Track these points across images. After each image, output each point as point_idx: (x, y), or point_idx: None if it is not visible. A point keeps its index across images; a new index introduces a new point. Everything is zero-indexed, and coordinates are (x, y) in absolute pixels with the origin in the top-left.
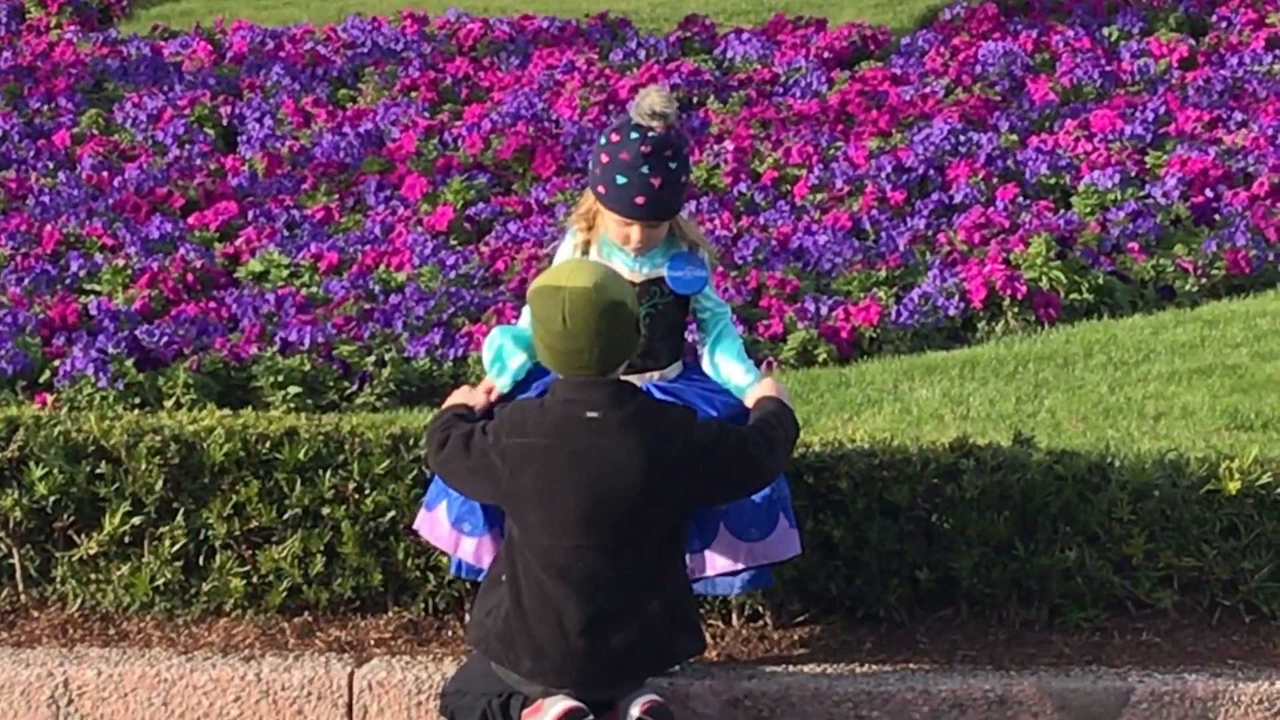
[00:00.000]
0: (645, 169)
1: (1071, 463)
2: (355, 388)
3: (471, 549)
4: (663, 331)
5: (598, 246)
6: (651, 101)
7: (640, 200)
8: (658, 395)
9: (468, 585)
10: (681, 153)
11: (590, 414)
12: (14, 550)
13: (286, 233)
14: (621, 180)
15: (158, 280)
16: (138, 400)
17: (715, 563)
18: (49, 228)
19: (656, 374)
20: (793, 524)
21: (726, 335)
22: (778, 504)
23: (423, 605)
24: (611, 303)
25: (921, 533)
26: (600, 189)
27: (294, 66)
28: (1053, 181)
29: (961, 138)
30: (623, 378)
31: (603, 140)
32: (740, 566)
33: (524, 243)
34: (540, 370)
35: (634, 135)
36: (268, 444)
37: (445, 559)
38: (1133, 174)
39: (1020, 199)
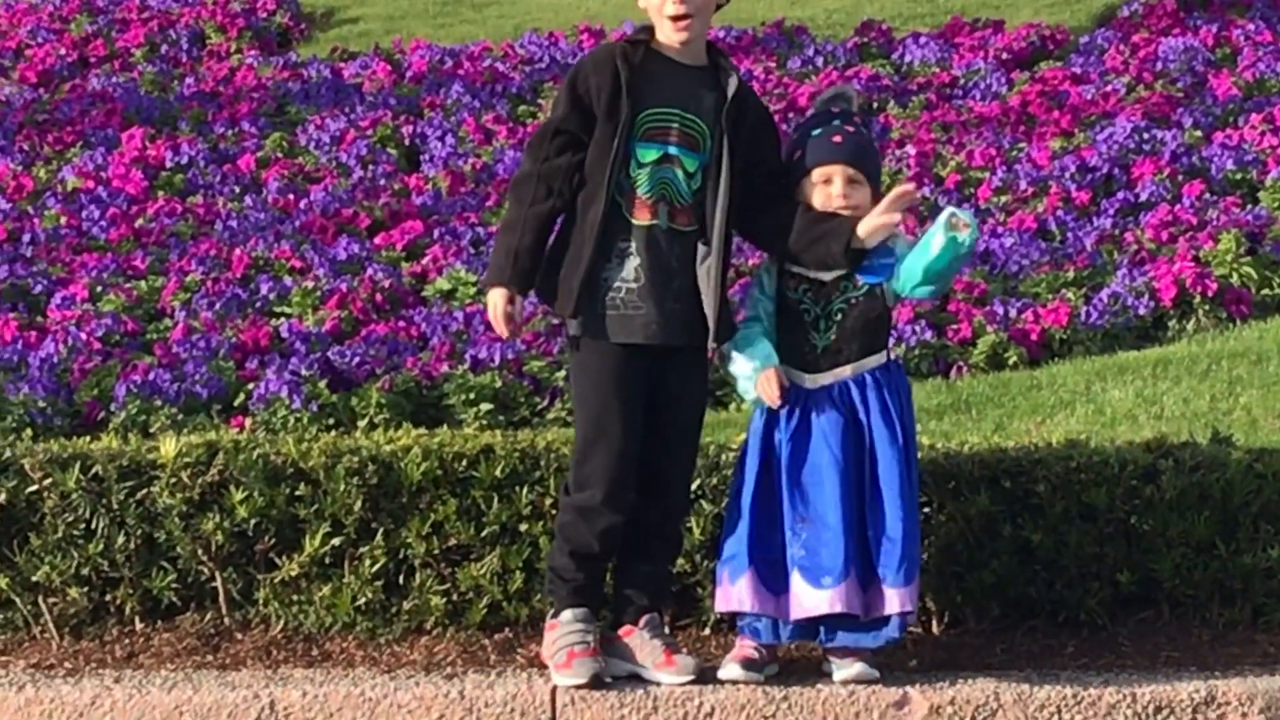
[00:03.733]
0: (837, 122)
1: (1271, 460)
2: (546, 403)
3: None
4: (855, 325)
5: None
6: (832, 89)
7: (837, 139)
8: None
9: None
10: (869, 131)
11: None
12: (216, 574)
13: (472, 250)
14: (817, 132)
15: (347, 301)
16: (331, 421)
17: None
18: (238, 252)
19: (849, 368)
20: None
21: None
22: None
23: None
24: None
25: (1121, 535)
26: (797, 155)
27: (473, 84)
28: (1239, 177)
29: (1145, 135)
30: (819, 377)
31: (790, 135)
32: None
33: None
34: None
35: (819, 111)
36: (464, 462)
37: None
38: None
39: (1207, 195)
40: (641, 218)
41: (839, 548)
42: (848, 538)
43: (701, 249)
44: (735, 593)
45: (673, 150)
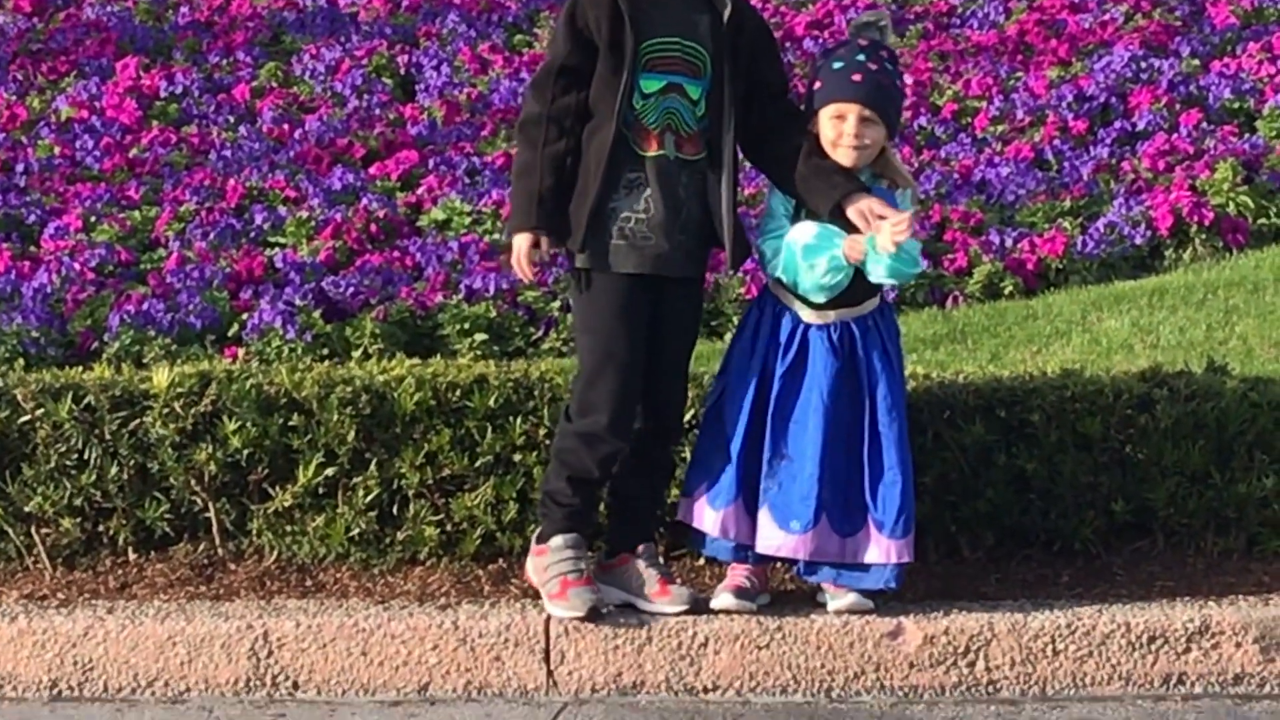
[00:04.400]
0: (861, 56)
1: (1267, 390)
2: (541, 333)
3: (716, 521)
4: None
5: None
6: (863, 15)
7: (857, 77)
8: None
9: (661, 528)
10: (896, 64)
11: None
12: (210, 504)
13: (468, 180)
14: (837, 65)
15: (341, 231)
16: (325, 351)
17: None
18: (232, 182)
19: (852, 309)
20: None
21: None
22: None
23: None
24: None
25: (1116, 464)
26: (816, 85)
27: (469, 13)
28: (1236, 106)
29: (1142, 64)
30: (820, 314)
31: (814, 59)
32: (889, 560)
33: None
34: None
35: (848, 39)
36: (458, 392)
37: None
38: None
39: (1204, 125)
40: (649, 149)
41: (812, 494)
42: (822, 486)
43: (711, 176)
44: (715, 518)
45: (676, 79)
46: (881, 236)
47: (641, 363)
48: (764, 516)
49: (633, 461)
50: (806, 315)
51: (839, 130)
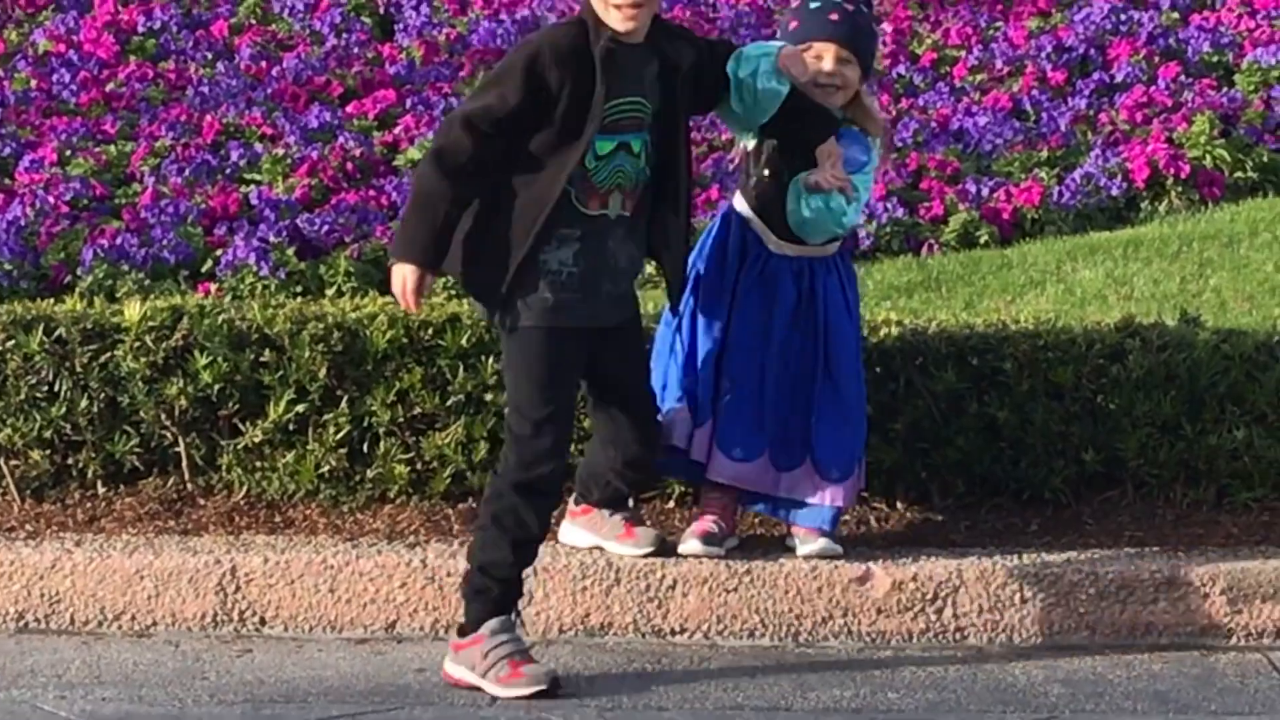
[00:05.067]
0: None
1: (1239, 342)
2: None
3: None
4: None
5: None
6: None
7: (834, 17)
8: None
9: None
10: (871, 6)
11: None
12: (179, 439)
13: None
14: (814, 4)
15: (317, 169)
16: (299, 289)
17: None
18: (208, 118)
19: (816, 247)
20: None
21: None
22: (859, 453)
23: None
24: None
25: (1087, 414)
26: (792, 24)
27: None
28: (1215, 59)
29: (1122, 16)
30: (783, 245)
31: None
32: (824, 502)
33: None
34: None
35: None
36: (430, 331)
37: None
38: None
39: (1182, 77)
40: (592, 207)
41: (756, 426)
42: (765, 416)
43: (642, 227)
44: (694, 438)
45: (625, 137)
46: (816, 174)
47: (574, 412)
48: (713, 443)
49: (623, 470)
50: (773, 245)
51: (816, 68)
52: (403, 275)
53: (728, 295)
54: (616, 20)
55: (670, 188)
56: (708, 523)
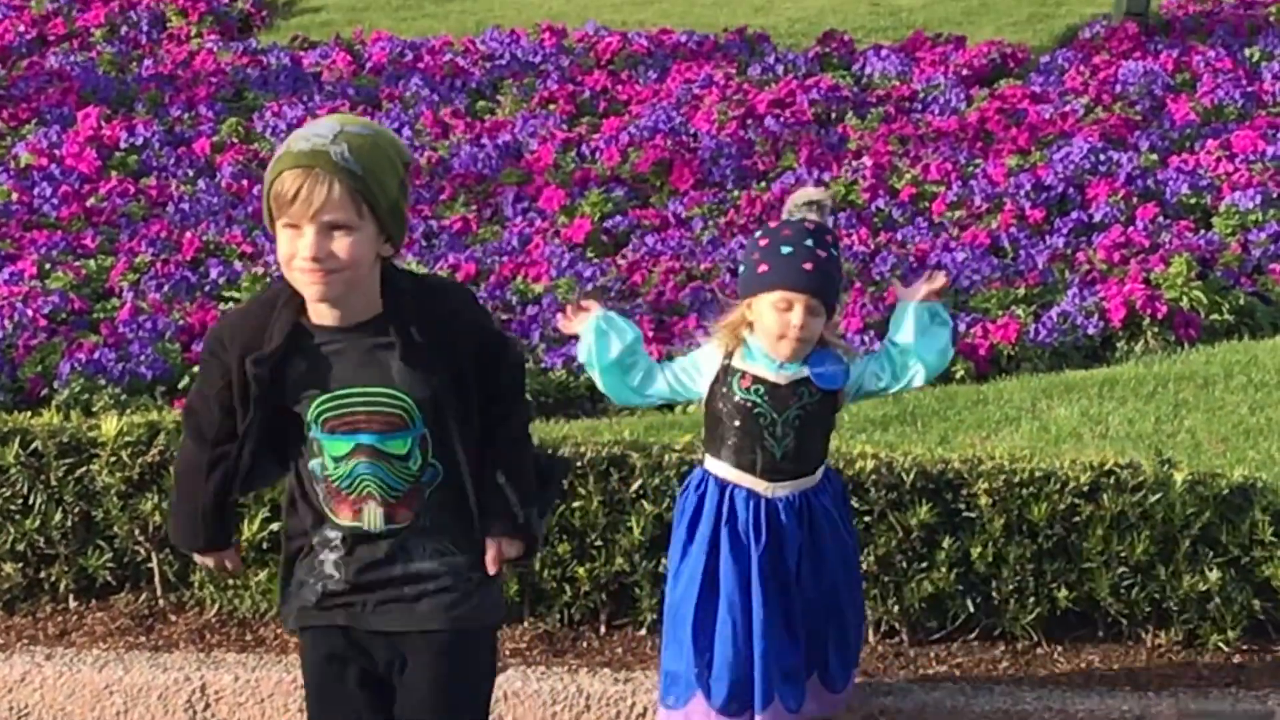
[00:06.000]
0: (810, 242)
1: (1213, 484)
2: None
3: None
4: (814, 433)
5: (741, 354)
6: (807, 192)
7: (808, 266)
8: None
9: (603, 597)
10: (837, 246)
11: None
12: (153, 554)
13: (424, 243)
14: (786, 250)
15: None
16: None
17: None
18: (189, 235)
19: (811, 479)
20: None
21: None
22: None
23: (559, 616)
24: None
25: (1060, 552)
26: (761, 268)
27: (433, 78)
28: (1193, 201)
29: (1101, 156)
30: (776, 487)
31: (755, 238)
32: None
33: (661, 255)
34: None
35: (794, 220)
36: None
37: (581, 570)
38: (1274, 195)
39: (1160, 219)
40: (343, 516)
41: (763, 677)
42: (769, 665)
43: (424, 540)
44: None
45: (366, 439)
46: (920, 290)
47: None
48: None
49: None
50: (762, 489)
51: (784, 321)
52: (202, 562)
53: (740, 561)
54: (304, 285)
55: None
56: None
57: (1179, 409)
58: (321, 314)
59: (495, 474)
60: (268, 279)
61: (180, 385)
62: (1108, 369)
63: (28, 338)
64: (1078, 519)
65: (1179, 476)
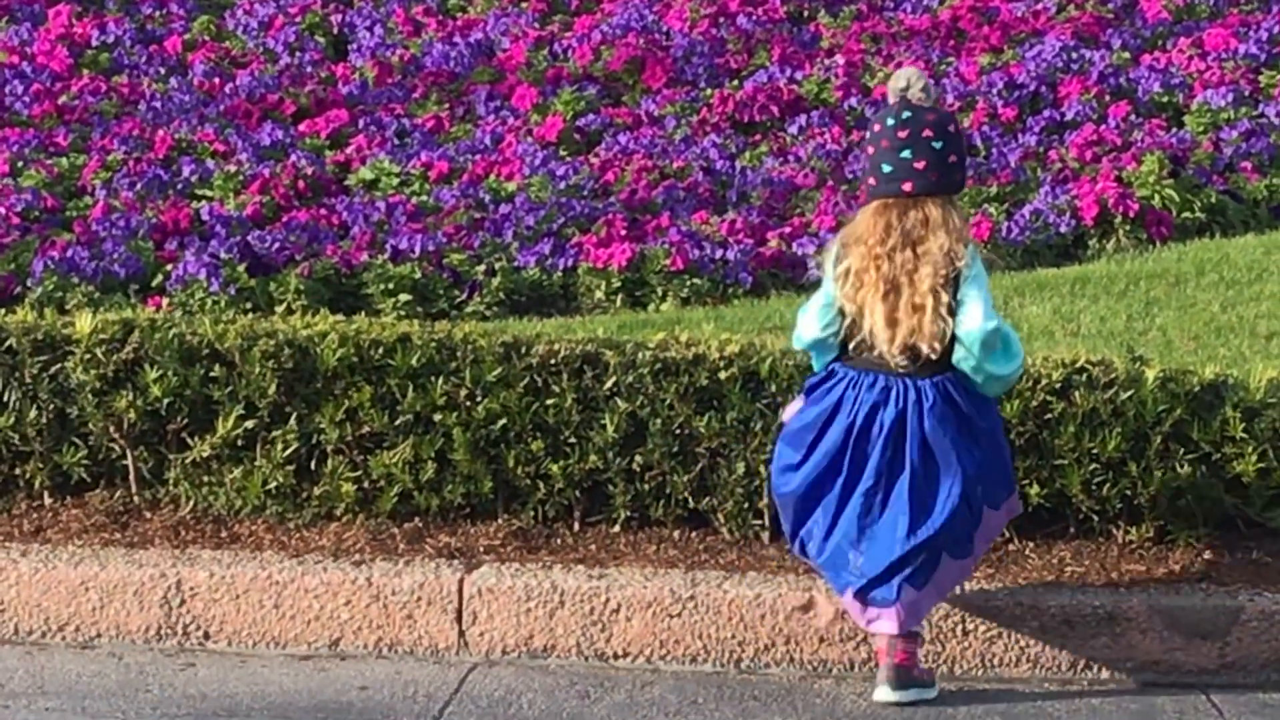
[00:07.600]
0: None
1: (1184, 381)
2: (465, 296)
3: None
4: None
5: None
6: (896, 81)
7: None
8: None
9: (577, 494)
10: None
11: None
12: (128, 451)
13: (397, 141)
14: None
15: (269, 186)
16: (249, 305)
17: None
18: (161, 133)
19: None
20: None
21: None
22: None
23: (533, 513)
24: None
25: (1032, 449)
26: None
27: None
28: (1165, 100)
29: (1073, 55)
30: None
31: (869, 133)
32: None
33: (633, 154)
34: None
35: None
36: (381, 350)
37: (555, 467)
38: (1246, 93)
39: (1132, 117)
40: None
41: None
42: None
43: None
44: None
45: None
46: None
47: None
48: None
49: None
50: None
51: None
52: None
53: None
54: None
55: None
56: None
57: (1150, 307)
58: None
59: None
60: (240, 176)
61: (153, 283)
62: (1080, 267)
63: (0, 235)
64: (1049, 416)
65: (1150, 374)
